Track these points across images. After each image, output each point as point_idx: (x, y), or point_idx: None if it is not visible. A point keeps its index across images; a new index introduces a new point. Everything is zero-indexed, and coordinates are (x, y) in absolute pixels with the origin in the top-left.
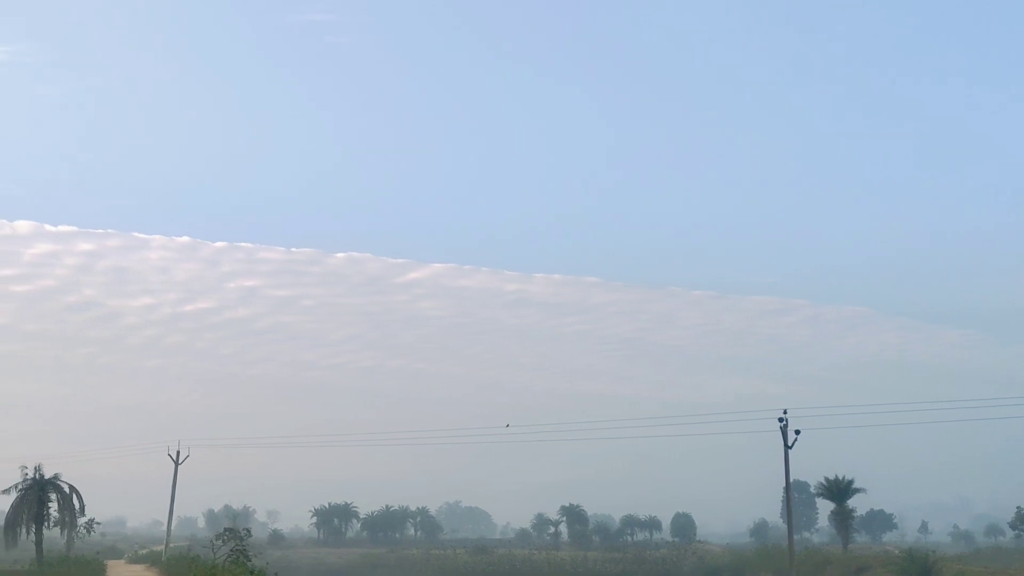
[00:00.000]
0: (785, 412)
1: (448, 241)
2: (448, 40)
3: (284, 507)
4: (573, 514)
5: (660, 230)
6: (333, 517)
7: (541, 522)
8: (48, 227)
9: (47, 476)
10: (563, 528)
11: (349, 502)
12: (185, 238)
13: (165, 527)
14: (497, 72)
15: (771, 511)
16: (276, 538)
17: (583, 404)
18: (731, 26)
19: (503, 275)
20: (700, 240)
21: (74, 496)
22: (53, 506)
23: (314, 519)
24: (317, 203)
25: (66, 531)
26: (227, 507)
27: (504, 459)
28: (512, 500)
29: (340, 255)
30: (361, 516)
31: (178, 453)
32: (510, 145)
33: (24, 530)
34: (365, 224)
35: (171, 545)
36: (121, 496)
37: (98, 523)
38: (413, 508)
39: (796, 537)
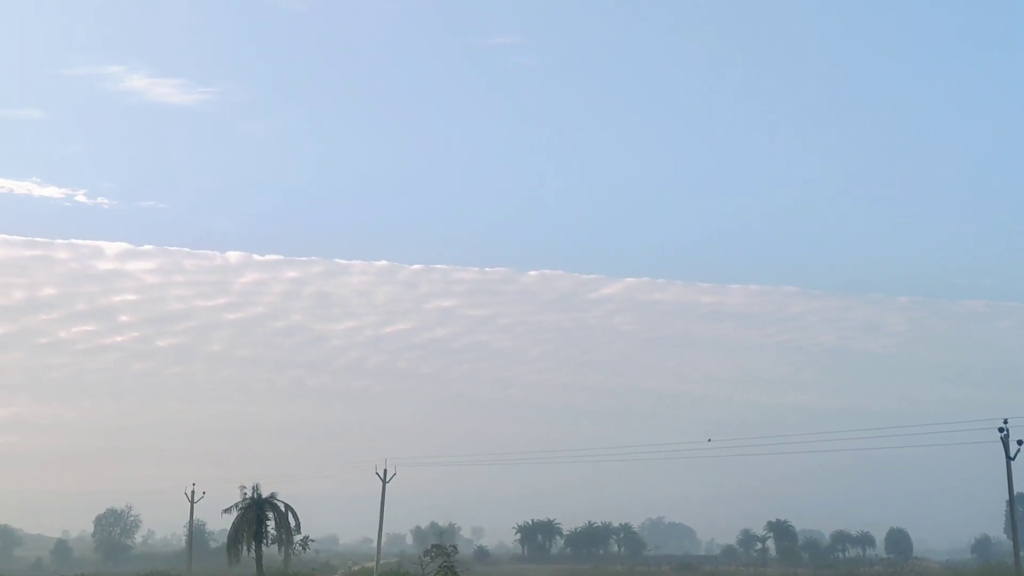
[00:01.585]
0: (1005, 422)
1: (639, 255)
2: (625, 51)
3: (488, 524)
4: (781, 530)
5: (857, 233)
6: (537, 533)
7: (747, 538)
8: (256, 257)
9: (264, 495)
10: (770, 544)
11: (552, 518)
12: (383, 262)
13: (375, 544)
14: (681, 80)
15: (994, 526)
16: (481, 554)
17: (786, 416)
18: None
19: (697, 287)
20: (902, 243)
21: (289, 514)
22: (271, 524)
23: (518, 535)
24: (508, 222)
25: (283, 548)
26: (433, 524)
27: (706, 474)
28: (716, 516)
29: (533, 273)
30: (564, 532)
31: (385, 472)
32: (696, 154)
33: (245, 547)
34: (556, 241)
35: (382, 562)
36: (332, 514)
37: (312, 540)
38: (616, 524)
39: (1022, 553)
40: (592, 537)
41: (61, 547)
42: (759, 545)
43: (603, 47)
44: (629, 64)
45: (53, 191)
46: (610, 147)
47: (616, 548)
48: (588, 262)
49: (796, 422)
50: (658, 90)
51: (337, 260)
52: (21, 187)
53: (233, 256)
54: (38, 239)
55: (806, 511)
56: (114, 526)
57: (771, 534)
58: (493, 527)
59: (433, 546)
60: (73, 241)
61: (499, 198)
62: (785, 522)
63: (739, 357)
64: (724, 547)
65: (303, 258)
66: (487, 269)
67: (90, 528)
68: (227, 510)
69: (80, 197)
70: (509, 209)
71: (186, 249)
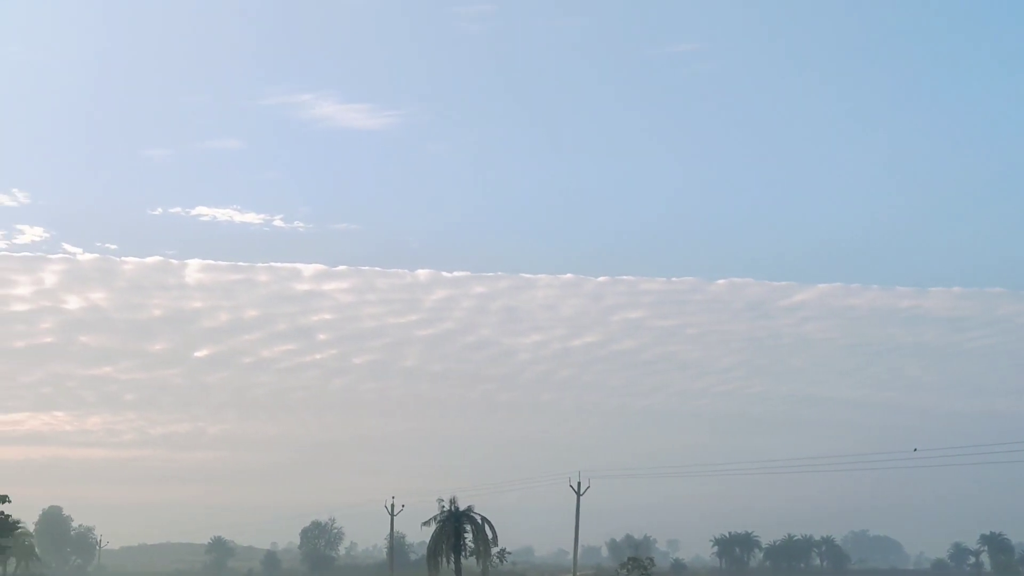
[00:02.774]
0: None
1: (831, 261)
2: (804, 54)
3: (684, 536)
4: (996, 543)
5: None
6: (734, 546)
7: (959, 552)
8: (444, 274)
9: (461, 508)
10: (984, 559)
11: (750, 531)
12: (568, 275)
13: (571, 556)
14: (866, 79)
15: None
16: (678, 567)
17: (997, 424)
18: None
19: (895, 291)
20: None
21: (486, 526)
22: (468, 536)
23: (715, 548)
24: (695, 231)
25: (481, 560)
26: (628, 536)
27: (912, 485)
28: (923, 528)
29: (721, 281)
30: (763, 546)
31: (579, 484)
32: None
33: (444, 559)
34: (744, 248)
35: (578, 574)
36: (527, 526)
37: (509, 552)
38: (817, 537)
39: None
40: (792, 550)
41: (270, 559)
42: (972, 559)
43: (782, 50)
44: (808, 67)
45: (252, 217)
46: (793, 150)
47: (818, 562)
48: (778, 269)
49: (1009, 430)
50: (844, 90)
51: (523, 275)
52: (223, 214)
53: (423, 274)
54: (240, 263)
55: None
56: (319, 538)
57: (985, 547)
58: (689, 540)
59: (629, 559)
60: (272, 264)
61: (683, 207)
62: (1000, 535)
63: (942, 363)
64: (934, 561)
65: (490, 273)
66: (674, 279)
67: (297, 540)
68: (426, 523)
69: (278, 222)
70: (695, 218)
71: (378, 268)
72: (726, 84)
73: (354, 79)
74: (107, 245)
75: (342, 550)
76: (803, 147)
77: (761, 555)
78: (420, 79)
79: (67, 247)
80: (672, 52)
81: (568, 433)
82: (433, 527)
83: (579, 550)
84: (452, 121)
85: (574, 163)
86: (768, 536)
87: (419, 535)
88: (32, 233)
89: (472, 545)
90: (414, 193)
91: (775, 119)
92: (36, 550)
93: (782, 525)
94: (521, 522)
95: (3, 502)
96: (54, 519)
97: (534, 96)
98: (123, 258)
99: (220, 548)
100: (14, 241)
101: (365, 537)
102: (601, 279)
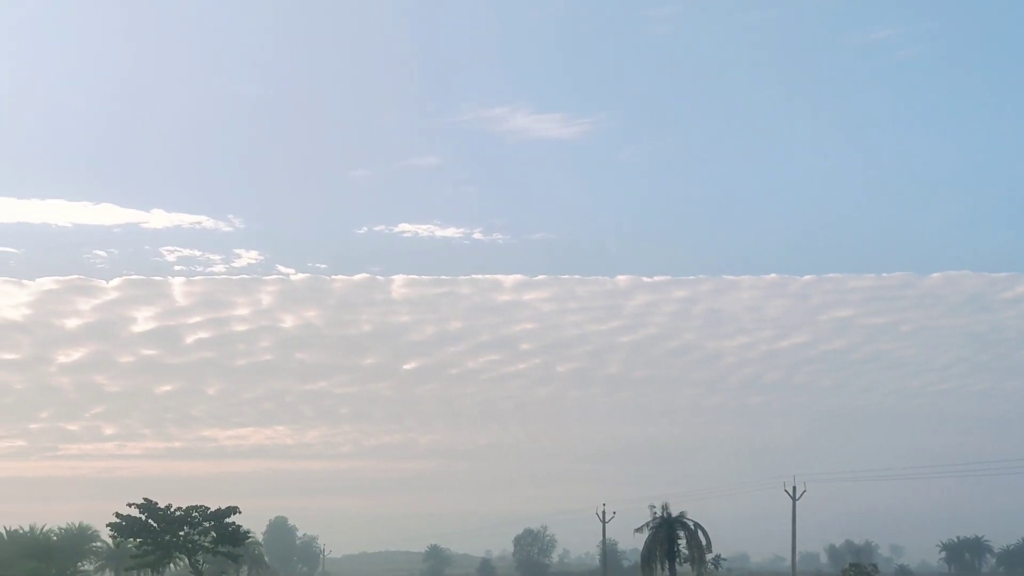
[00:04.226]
0: None
1: None
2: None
3: (908, 541)
4: None
5: None
6: (964, 551)
7: None
8: (644, 279)
9: (673, 514)
10: None
11: (980, 535)
12: (772, 276)
13: (788, 563)
14: None
15: None
16: (903, 574)
17: None
18: None
19: None
20: None
21: (700, 533)
22: (682, 543)
23: (942, 554)
24: (905, 224)
25: (696, 567)
26: (848, 542)
27: None
28: None
29: (935, 275)
30: (996, 550)
31: (794, 488)
32: None
33: (658, 566)
34: (959, 239)
35: None
36: (741, 532)
37: (724, 559)
38: None
39: None
40: None
41: (485, 566)
42: None
43: (988, 31)
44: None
45: (452, 231)
46: (1013, 134)
47: None
48: (997, 260)
49: None
50: None
51: (725, 276)
52: (425, 230)
53: (622, 280)
54: (443, 277)
55: None
56: (532, 546)
57: None
58: (913, 545)
59: (851, 565)
60: (474, 276)
61: (892, 199)
62: None
63: None
64: None
65: (690, 277)
66: (884, 275)
67: (510, 548)
68: (639, 529)
69: (477, 235)
70: (904, 210)
71: (577, 276)
72: (929, 70)
73: (545, 90)
74: (317, 265)
75: (555, 557)
76: (1009, 130)
77: (994, 560)
78: (610, 85)
79: (280, 268)
80: (870, 40)
81: (778, 436)
82: (646, 533)
83: (797, 556)
84: (644, 124)
85: (770, 161)
86: (1001, 540)
87: (631, 542)
88: (248, 256)
89: (686, 551)
90: (610, 199)
91: (984, 102)
92: (265, 558)
93: (1017, 528)
94: (734, 528)
95: (234, 513)
96: (280, 529)
97: (726, 93)
98: (332, 276)
99: (437, 556)
100: (232, 265)
101: (576, 544)
102: (806, 278)
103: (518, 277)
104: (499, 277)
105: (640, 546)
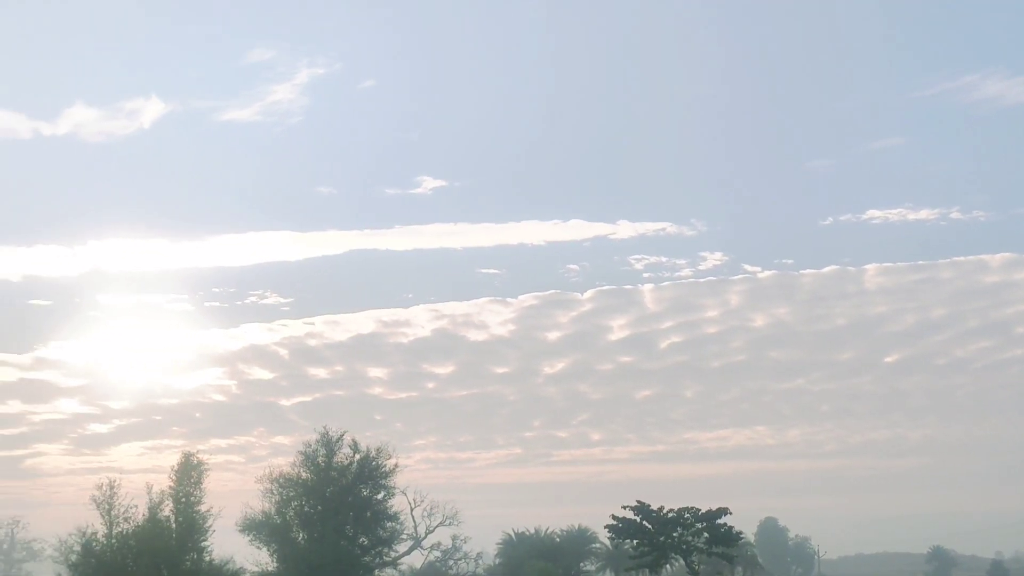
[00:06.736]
0: None
1: None
2: None
3: None
4: None
5: None
6: None
7: None
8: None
9: None
10: None
11: None
12: None
13: None
14: None
15: None
16: None
17: None
18: None
19: None
20: None
21: None
22: None
23: None
24: None
25: None
26: None
27: None
28: None
29: None
30: None
31: None
32: None
33: None
34: None
35: None
36: None
37: None
38: None
39: None
40: None
41: (996, 568)
42: None
43: None
44: None
45: (926, 214)
46: None
47: None
48: None
49: None
50: None
51: None
52: (895, 215)
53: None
54: (920, 262)
55: None
56: None
57: None
58: None
59: None
60: (954, 259)
61: None
62: None
63: None
64: None
65: None
66: None
67: None
68: None
69: (955, 214)
70: None
71: None
72: None
73: (1019, 50)
74: (784, 261)
75: None
76: None
77: None
78: None
79: (746, 267)
80: None
81: None
82: None
83: None
84: None
85: None
86: None
87: None
88: (713, 259)
89: None
90: None
91: None
92: (759, 559)
93: None
94: None
95: (725, 514)
96: (771, 530)
97: None
98: (800, 271)
99: (941, 557)
100: (698, 268)
101: None
102: None
103: (1007, 255)
104: (984, 257)
105: None
